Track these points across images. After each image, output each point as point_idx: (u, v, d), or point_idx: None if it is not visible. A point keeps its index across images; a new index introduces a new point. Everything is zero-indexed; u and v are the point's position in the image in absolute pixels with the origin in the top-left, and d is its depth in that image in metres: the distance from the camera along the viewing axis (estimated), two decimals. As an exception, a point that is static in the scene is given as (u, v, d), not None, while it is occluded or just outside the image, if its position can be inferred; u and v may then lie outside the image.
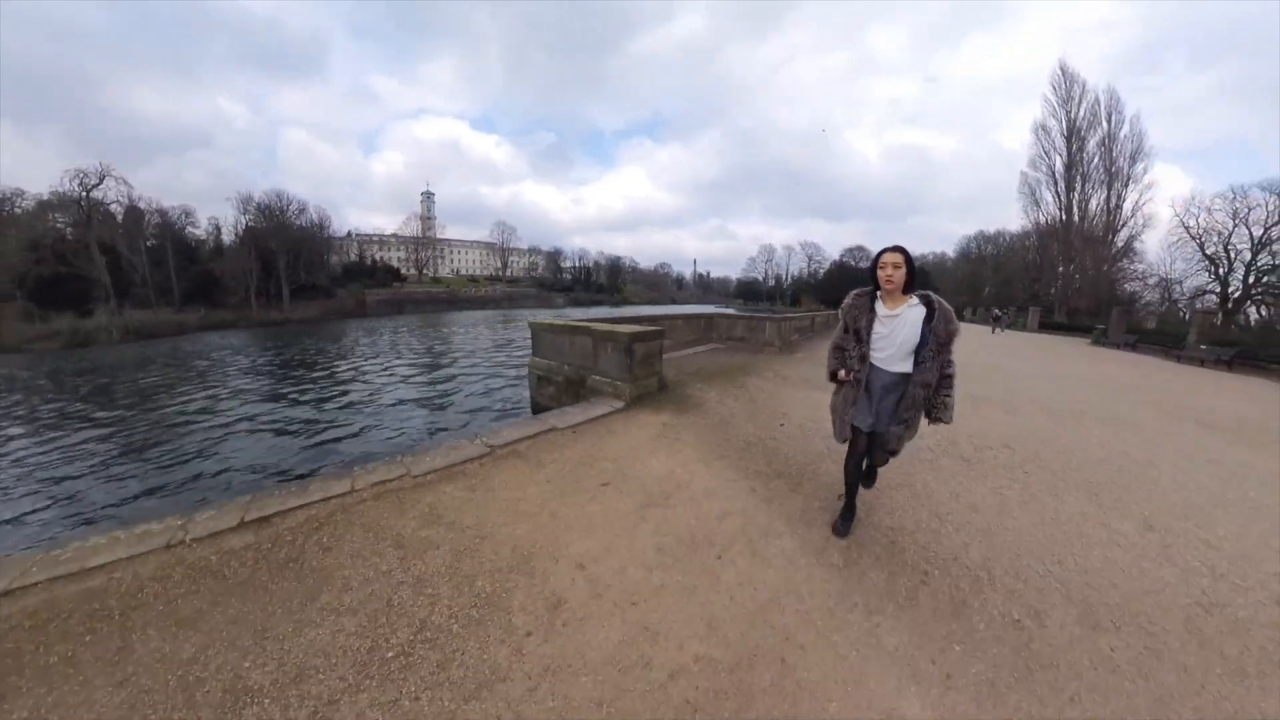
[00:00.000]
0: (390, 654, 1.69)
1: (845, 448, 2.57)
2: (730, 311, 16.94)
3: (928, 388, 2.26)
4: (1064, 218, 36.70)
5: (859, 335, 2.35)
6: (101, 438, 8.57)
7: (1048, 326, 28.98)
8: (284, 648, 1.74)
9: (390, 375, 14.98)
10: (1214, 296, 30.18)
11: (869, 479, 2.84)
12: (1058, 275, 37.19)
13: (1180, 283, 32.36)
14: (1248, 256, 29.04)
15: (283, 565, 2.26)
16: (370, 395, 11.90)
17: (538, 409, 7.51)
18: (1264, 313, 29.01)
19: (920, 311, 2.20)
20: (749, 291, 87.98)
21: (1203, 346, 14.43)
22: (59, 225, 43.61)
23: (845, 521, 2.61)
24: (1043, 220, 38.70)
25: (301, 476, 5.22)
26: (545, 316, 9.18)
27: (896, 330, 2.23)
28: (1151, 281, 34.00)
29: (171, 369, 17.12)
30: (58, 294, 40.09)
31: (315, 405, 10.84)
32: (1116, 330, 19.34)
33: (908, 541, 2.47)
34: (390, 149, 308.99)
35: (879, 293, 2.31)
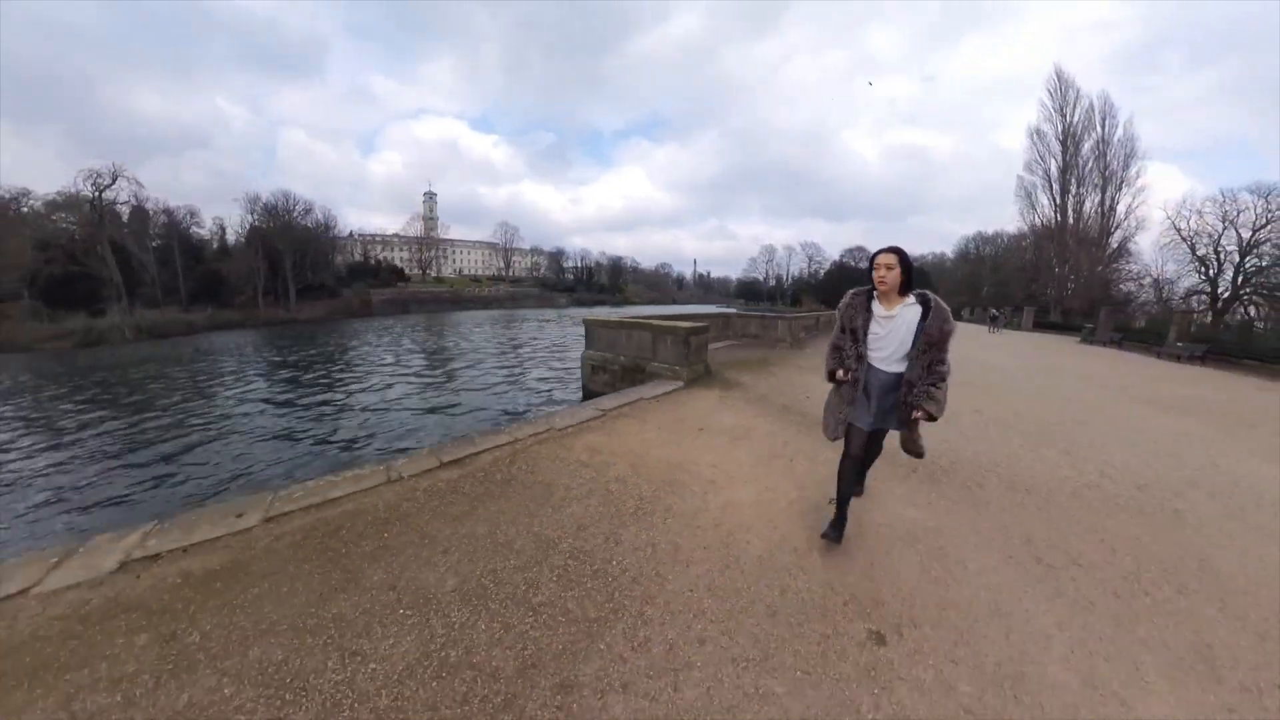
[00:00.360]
0: (630, 511, 2.90)
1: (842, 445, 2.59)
2: (734, 311, 18.46)
3: (912, 386, 2.31)
4: (1059, 220, 38.24)
5: (855, 335, 2.42)
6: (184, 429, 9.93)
7: (1042, 326, 30.46)
8: (555, 519, 2.75)
9: (430, 373, 16.35)
10: (1205, 297, 31.53)
11: (860, 483, 2.88)
12: (1053, 276, 38.63)
13: (1174, 283, 33.51)
14: (1237, 258, 29.95)
15: (505, 483, 3.26)
16: (417, 392, 13.27)
17: (589, 394, 8.89)
18: (1252, 312, 30.14)
19: (917, 311, 2.29)
20: (750, 292, 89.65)
21: (1179, 344, 15.93)
22: (65, 225, 44.27)
23: (836, 529, 2.58)
24: (1038, 222, 40.17)
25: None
26: (601, 313, 10.29)
27: (894, 331, 2.31)
28: (1146, 282, 35.32)
29: (212, 366, 18.40)
30: (67, 293, 40.68)
31: (369, 407, 12.21)
32: (1104, 329, 20.85)
33: (899, 457, 3.87)
34: (389, 149, 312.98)
35: (876, 292, 2.39)
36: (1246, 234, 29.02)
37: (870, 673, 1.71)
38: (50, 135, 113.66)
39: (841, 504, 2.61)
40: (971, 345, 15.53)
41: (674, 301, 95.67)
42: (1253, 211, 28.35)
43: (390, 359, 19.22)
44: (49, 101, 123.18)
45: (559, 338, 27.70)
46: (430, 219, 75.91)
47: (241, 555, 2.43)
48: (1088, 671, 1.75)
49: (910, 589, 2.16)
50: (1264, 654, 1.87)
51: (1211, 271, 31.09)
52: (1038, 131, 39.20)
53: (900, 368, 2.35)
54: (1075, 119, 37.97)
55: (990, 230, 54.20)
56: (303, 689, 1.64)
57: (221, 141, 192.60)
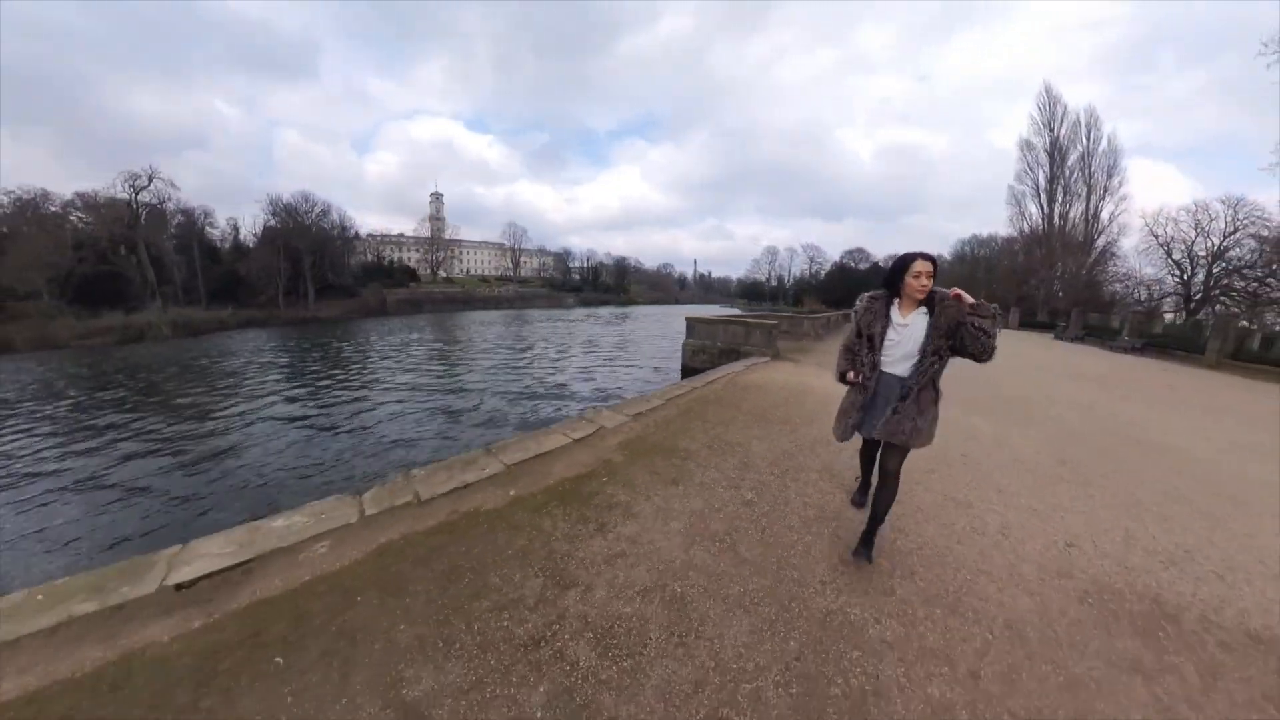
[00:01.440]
0: (798, 394, 7.00)
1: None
2: (737, 312, 23.02)
3: (913, 389, 2.46)
4: (1046, 227, 43.02)
5: (872, 342, 2.53)
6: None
7: (1028, 325, 35.02)
8: (777, 397, 6.70)
9: (563, 358, 20.49)
10: (1179, 298, 36.04)
11: (883, 493, 2.69)
12: (1042, 279, 43.26)
13: (1160, 283, 37.35)
14: (1207, 263, 33.84)
15: (744, 388, 7.34)
16: (551, 372, 17.44)
17: (689, 371, 13.10)
18: (1219, 311, 34.26)
19: (925, 317, 2.39)
20: (752, 292, 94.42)
21: (1125, 338, 20.53)
22: (83, 224, 46.52)
23: (862, 493, 3.34)
24: (1027, 229, 44.85)
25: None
26: (704, 311, 13.95)
27: (906, 337, 2.44)
28: (1132, 284, 39.57)
29: (319, 355, 22.30)
30: (92, 292, 42.94)
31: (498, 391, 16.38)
32: (1074, 326, 25.51)
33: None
34: (384, 149, 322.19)
35: (897, 299, 2.47)
36: (1217, 240, 32.76)
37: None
38: (45, 135, 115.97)
39: (866, 474, 3.33)
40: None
41: (676, 301, 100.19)
42: (1222, 220, 32.37)
43: (501, 349, 23.33)
44: (44, 102, 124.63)
45: (605, 335, 31.89)
46: (438, 219, 79.78)
47: (682, 408, 5.85)
48: (986, 428, 6.02)
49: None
50: (1034, 409, 6.21)
51: (1185, 275, 35.28)
52: (1027, 144, 44.00)
53: (903, 369, 2.47)
54: (1062, 132, 42.70)
55: (985, 233, 59.29)
56: (775, 421, 5.72)
57: (218, 142, 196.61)
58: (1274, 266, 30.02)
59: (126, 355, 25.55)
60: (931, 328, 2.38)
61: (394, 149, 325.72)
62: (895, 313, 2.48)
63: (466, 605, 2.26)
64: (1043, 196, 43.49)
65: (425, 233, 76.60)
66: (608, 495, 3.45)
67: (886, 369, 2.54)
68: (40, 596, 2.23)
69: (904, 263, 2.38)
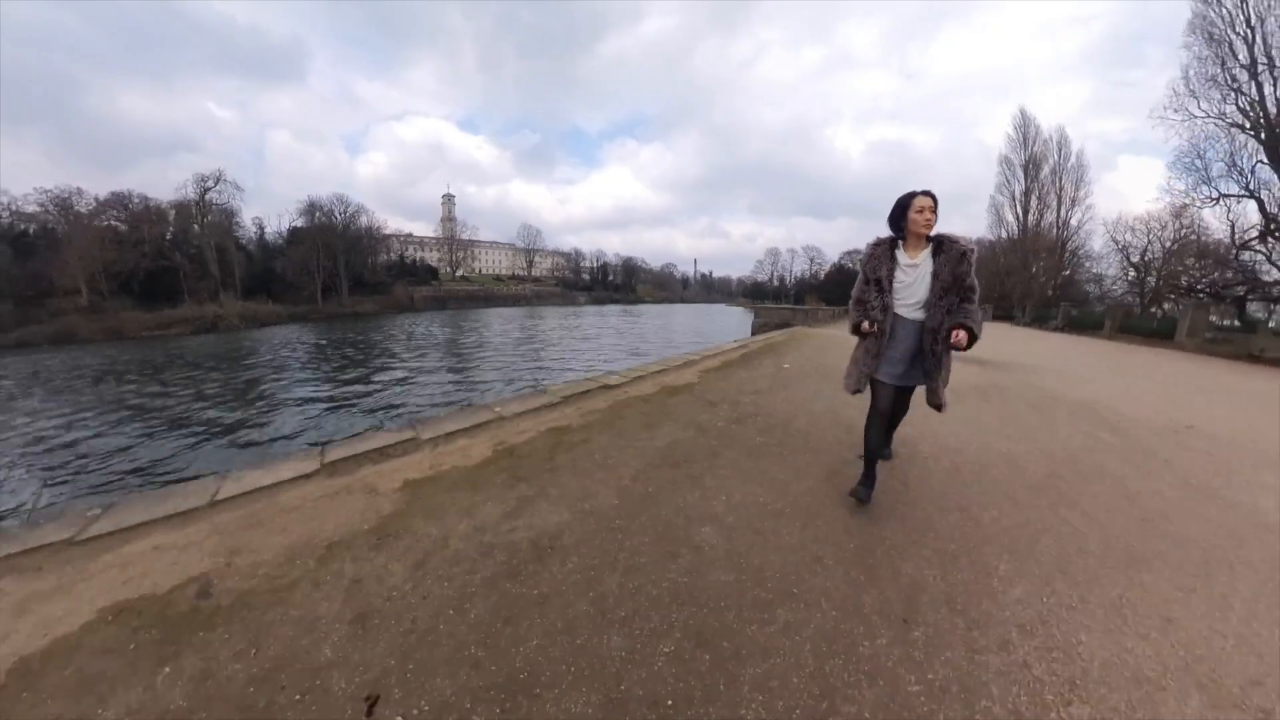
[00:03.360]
0: (836, 343, 15.84)
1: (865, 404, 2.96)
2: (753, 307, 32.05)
3: (935, 334, 2.56)
4: (1022, 235, 52.39)
5: (880, 285, 2.66)
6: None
7: (998, 318, 44.25)
8: (828, 344, 15.03)
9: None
10: (1135, 296, 44.95)
11: (888, 445, 3.07)
12: (1017, 280, 52.44)
13: (1118, 284, 45.21)
14: (1159, 264, 41.73)
15: (804, 336, 15.83)
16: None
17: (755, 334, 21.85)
18: (1168, 308, 42.66)
19: (933, 258, 2.56)
20: (754, 292, 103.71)
21: (1053, 322, 29.79)
22: (120, 224, 51.80)
23: (865, 488, 2.83)
24: (1005, 235, 54.25)
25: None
26: (764, 305, 22.19)
27: (919, 278, 2.57)
28: (1105, 283, 47.73)
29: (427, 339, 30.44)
30: (149, 287, 48.01)
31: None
32: (1027, 315, 34.87)
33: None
34: (376, 150, 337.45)
35: (900, 241, 2.64)
36: (1167, 245, 39.94)
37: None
38: (38, 136, 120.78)
39: (869, 462, 2.86)
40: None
41: (681, 300, 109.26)
42: (1170, 229, 39.45)
43: (626, 335, 31.70)
44: (40, 103, 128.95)
45: (654, 328, 40.32)
46: (450, 220, 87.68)
47: (782, 338, 14.86)
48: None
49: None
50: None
51: (1142, 276, 43.97)
52: (1006, 159, 53.33)
53: (920, 314, 2.61)
54: (1036, 149, 52.03)
55: (974, 236, 68.97)
56: (821, 341, 14.49)
57: (211, 144, 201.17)
58: (1200, 275, 38.78)
59: (224, 343, 31.01)
60: (933, 277, 2.53)
61: (386, 150, 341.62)
62: (901, 254, 2.64)
63: (734, 377, 10.97)
64: (1019, 206, 52.87)
65: (440, 233, 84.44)
66: (761, 356, 12.20)
67: (900, 312, 2.66)
68: (497, 408, 4.59)
69: (905, 201, 2.54)
